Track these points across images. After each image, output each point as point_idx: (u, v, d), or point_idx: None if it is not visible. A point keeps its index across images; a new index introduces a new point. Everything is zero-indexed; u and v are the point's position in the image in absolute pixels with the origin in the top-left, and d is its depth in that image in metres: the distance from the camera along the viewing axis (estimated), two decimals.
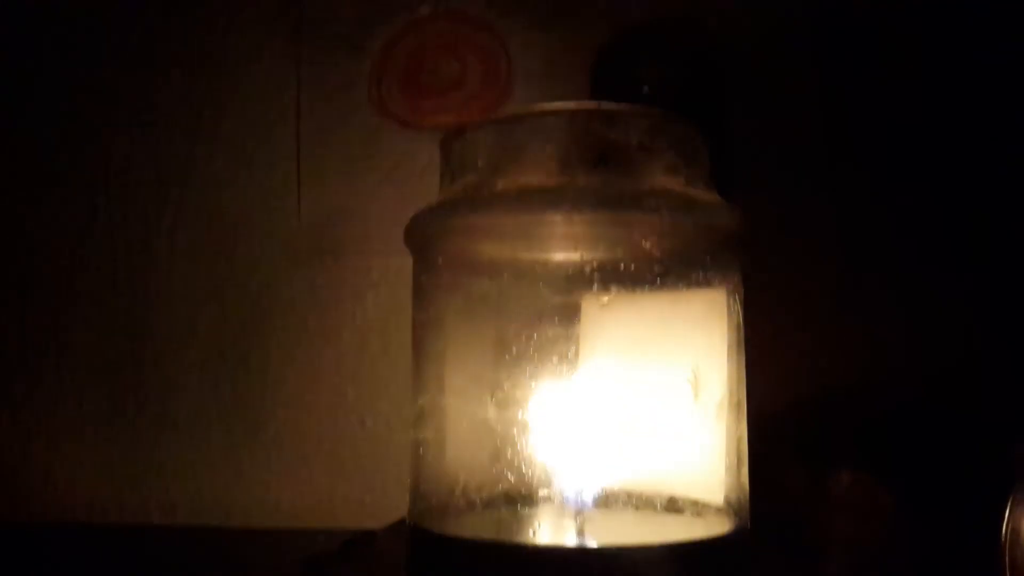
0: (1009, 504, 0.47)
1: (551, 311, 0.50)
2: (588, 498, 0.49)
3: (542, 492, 0.49)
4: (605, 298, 0.48)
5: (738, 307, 0.52)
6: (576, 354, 0.50)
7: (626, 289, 0.49)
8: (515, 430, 0.49)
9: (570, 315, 0.51)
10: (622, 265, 0.48)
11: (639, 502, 0.50)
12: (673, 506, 0.51)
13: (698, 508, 0.51)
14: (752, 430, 0.53)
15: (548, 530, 0.49)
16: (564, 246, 0.49)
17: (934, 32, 0.75)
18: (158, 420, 0.82)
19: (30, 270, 0.84)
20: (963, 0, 0.74)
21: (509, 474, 0.49)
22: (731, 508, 0.50)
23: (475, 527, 0.49)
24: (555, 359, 0.50)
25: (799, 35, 0.77)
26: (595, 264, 0.48)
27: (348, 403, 0.80)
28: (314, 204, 0.82)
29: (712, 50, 0.77)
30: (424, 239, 0.53)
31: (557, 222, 0.48)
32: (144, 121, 0.84)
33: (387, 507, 0.75)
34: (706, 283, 0.51)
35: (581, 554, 0.47)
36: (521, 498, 0.50)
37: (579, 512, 0.49)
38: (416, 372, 0.54)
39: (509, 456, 0.49)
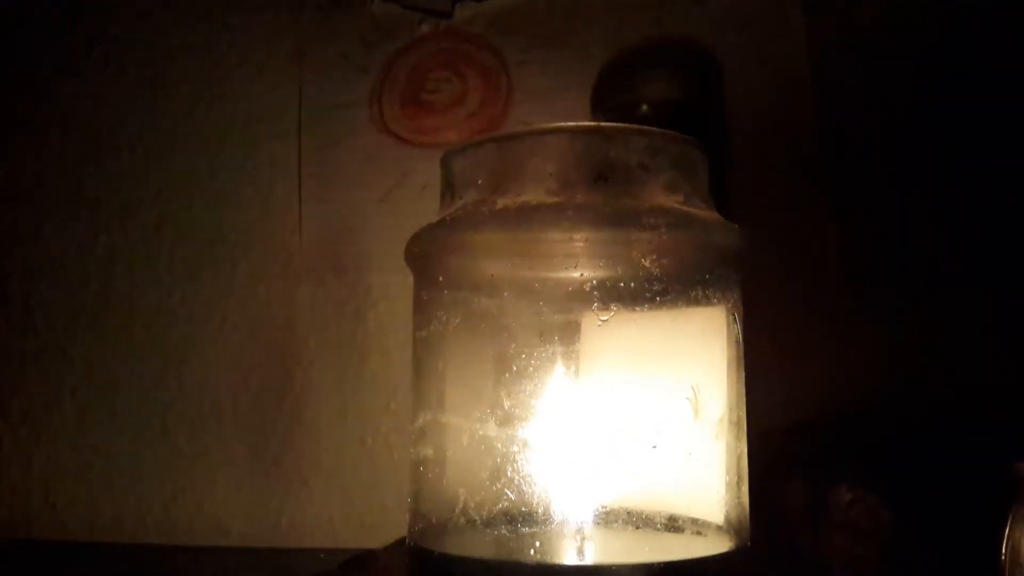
0: (1009, 522, 0.47)
1: (551, 329, 0.50)
2: (588, 516, 0.49)
3: (542, 510, 0.49)
4: (605, 315, 0.48)
5: (737, 324, 0.52)
6: (576, 372, 0.50)
7: (626, 306, 0.49)
8: (515, 448, 0.49)
9: (570, 332, 0.51)
10: (622, 283, 0.48)
11: (639, 520, 0.50)
12: (673, 524, 0.51)
13: (698, 526, 0.51)
14: (752, 448, 0.53)
15: (548, 549, 0.49)
16: (564, 264, 0.49)
17: (936, 42, 0.75)
18: (157, 439, 0.82)
19: (31, 286, 0.84)
20: (964, 9, 0.74)
21: (509, 492, 0.49)
22: (731, 526, 0.50)
23: (475, 546, 0.49)
24: (555, 377, 0.50)
25: (797, 52, 0.77)
26: (595, 282, 0.48)
27: (348, 422, 0.80)
28: (315, 222, 0.82)
29: (710, 68, 0.77)
30: (424, 257, 0.54)
31: (557, 240, 0.49)
32: (146, 139, 0.84)
33: (387, 526, 0.75)
34: (705, 300, 0.51)
35: (581, 573, 0.47)
36: (521, 516, 0.50)
37: (579, 530, 0.49)
38: (416, 390, 0.54)
39: (509, 474, 0.49)
